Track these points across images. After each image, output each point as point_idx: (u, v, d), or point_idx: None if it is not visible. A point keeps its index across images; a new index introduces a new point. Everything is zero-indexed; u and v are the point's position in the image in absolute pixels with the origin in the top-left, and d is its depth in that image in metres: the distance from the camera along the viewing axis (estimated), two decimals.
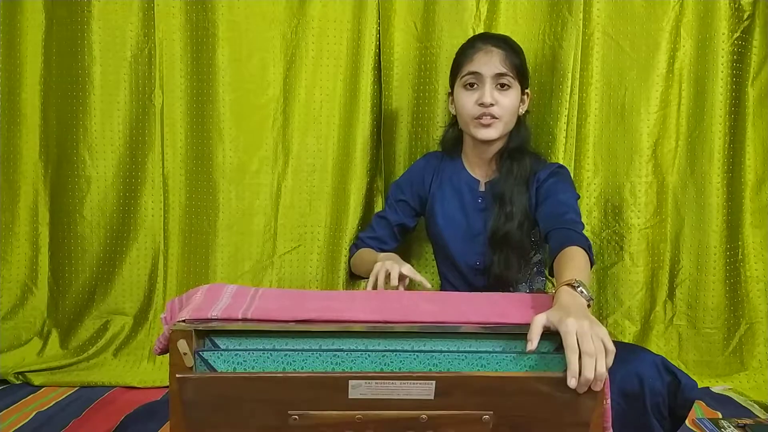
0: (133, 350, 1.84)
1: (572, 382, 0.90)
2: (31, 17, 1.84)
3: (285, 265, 1.87)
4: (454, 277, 1.61)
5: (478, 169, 1.59)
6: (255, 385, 0.92)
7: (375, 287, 1.36)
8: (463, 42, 1.58)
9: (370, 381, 0.91)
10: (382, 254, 1.51)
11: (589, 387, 0.91)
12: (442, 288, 1.67)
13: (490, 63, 1.47)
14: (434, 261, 1.72)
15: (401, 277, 1.35)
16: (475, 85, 1.49)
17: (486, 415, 0.94)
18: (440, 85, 1.78)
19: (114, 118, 1.84)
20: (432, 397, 0.92)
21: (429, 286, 1.40)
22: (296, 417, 0.93)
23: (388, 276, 1.35)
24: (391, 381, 0.92)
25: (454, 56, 1.57)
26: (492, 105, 1.47)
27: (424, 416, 0.93)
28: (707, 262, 1.86)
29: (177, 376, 0.92)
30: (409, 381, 0.92)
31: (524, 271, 1.55)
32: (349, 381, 0.91)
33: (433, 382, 0.92)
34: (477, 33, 1.73)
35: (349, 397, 0.92)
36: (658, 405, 1.15)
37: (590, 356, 0.90)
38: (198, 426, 0.94)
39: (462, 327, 0.98)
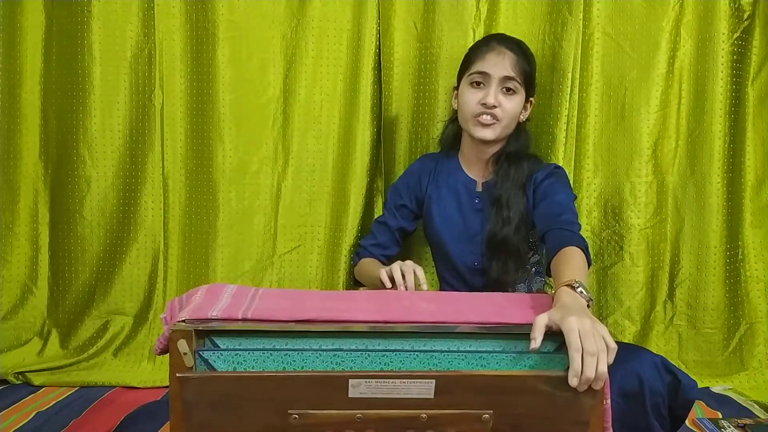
0: (133, 350, 1.84)
1: (574, 381, 0.90)
2: (31, 17, 1.84)
3: (285, 265, 1.87)
4: (453, 277, 1.60)
5: (475, 170, 1.58)
6: (255, 385, 0.92)
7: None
8: (465, 41, 1.58)
9: (370, 380, 0.91)
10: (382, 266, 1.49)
11: (590, 386, 0.91)
12: (441, 289, 1.66)
13: (500, 64, 1.47)
14: (433, 262, 1.72)
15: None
16: (482, 84, 1.49)
17: (486, 413, 0.94)
18: (440, 85, 1.78)
19: (114, 118, 1.84)
20: (432, 396, 0.92)
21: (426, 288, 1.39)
22: (296, 416, 0.92)
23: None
24: (391, 380, 0.92)
25: (456, 55, 1.57)
26: (495, 107, 1.47)
27: (424, 415, 0.93)
28: (707, 262, 1.86)
29: (177, 375, 0.92)
30: (409, 380, 0.92)
31: (522, 273, 1.55)
32: (349, 380, 0.91)
33: (433, 380, 0.92)
34: (477, 33, 1.74)
35: (349, 396, 0.92)
36: (658, 405, 1.15)
37: (592, 355, 0.90)
38: (198, 426, 0.94)
39: (462, 327, 0.98)
